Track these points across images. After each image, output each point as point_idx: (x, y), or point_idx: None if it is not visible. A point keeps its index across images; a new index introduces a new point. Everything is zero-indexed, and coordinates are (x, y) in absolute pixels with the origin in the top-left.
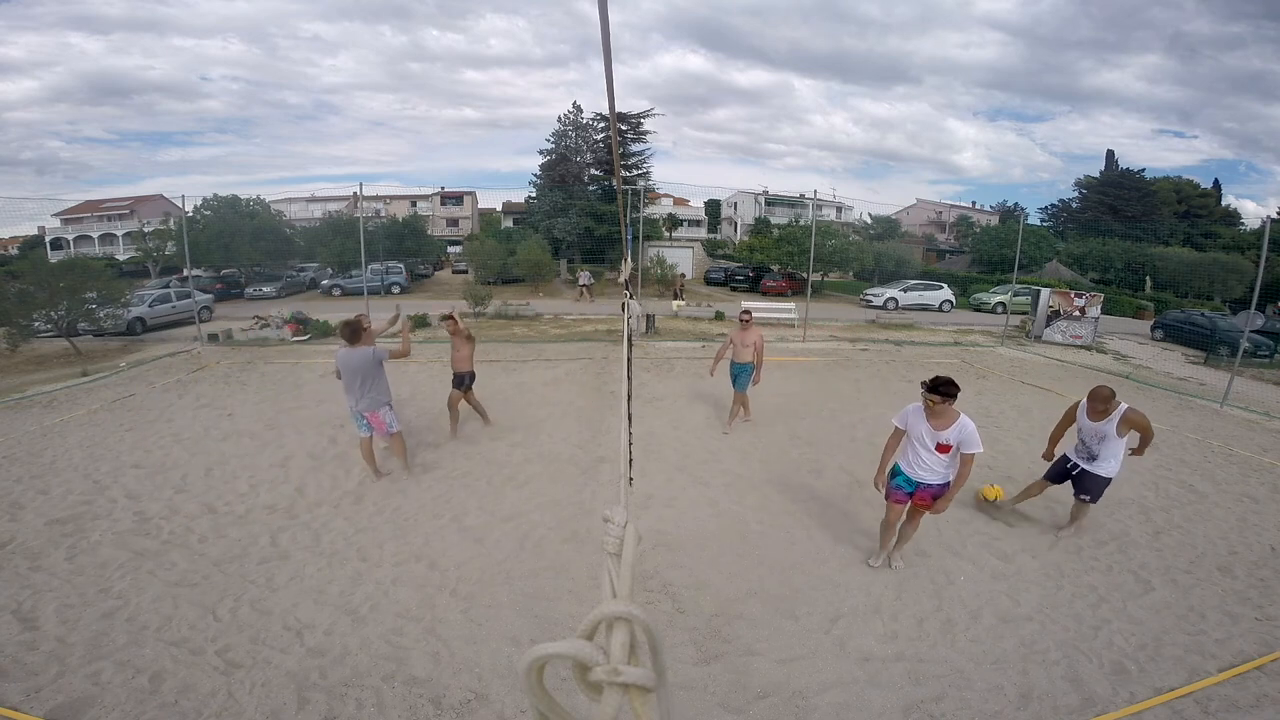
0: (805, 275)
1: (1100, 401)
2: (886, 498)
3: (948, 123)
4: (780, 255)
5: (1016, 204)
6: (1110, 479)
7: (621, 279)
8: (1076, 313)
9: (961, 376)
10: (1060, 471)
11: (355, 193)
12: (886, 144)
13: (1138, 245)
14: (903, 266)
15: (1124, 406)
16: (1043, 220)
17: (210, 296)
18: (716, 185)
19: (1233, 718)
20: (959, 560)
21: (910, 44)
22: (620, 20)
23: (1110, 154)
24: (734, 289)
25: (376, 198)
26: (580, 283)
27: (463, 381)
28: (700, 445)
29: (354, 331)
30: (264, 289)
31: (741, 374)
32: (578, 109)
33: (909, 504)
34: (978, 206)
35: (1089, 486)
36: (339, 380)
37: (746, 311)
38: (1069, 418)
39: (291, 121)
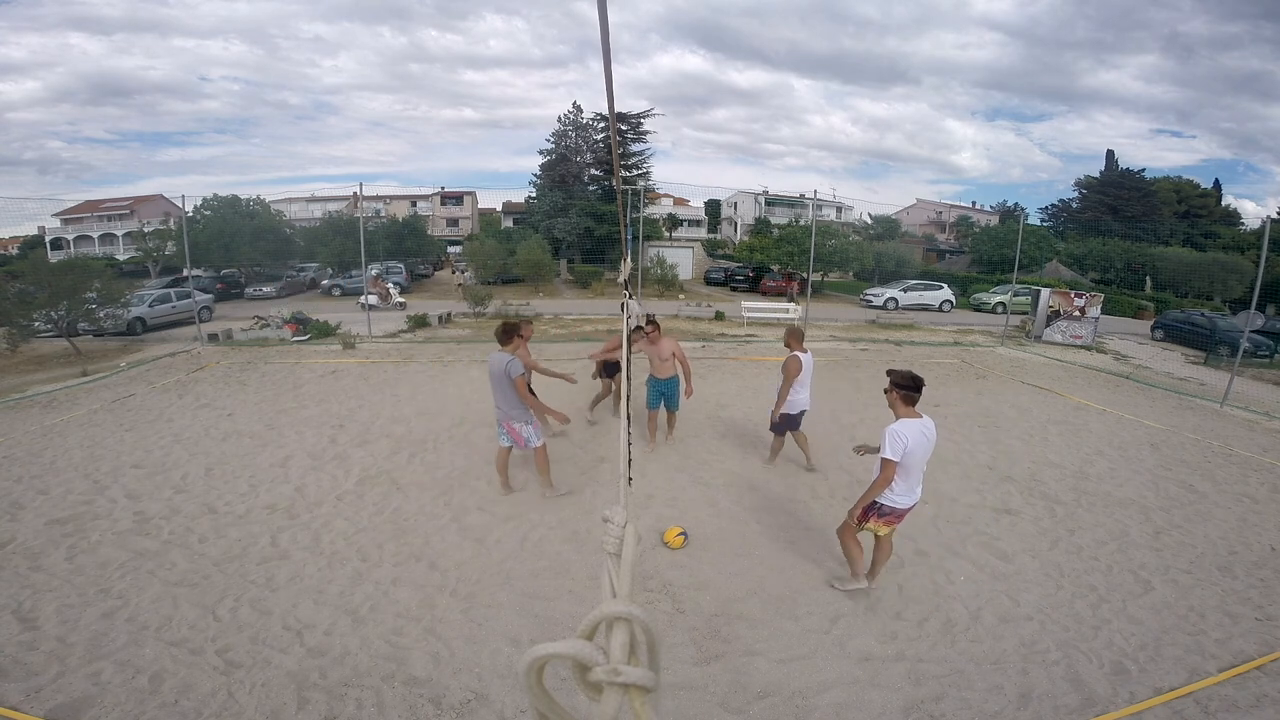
0: (805, 275)
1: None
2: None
3: (946, 123)
4: (780, 255)
5: (1016, 204)
6: (780, 414)
7: (621, 279)
8: (1076, 313)
9: (961, 376)
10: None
11: (355, 193)
12: (885, 144)
13: (1138, 245)
14: (903, 266)
15: (790, 354)
16: (1043, 220)
17: (210, 296)
18: (716, 185)
19: (1233, 718)
20: (959, 560)
21: (908, 45)
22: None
23: (1110, 154)
24: (734, 289)
25: (376, 198)
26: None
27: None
28: (700, 445)
29: (503, 331)
30: (264, 289)
31: (669, 392)
32: (577, 109)
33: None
34: (977, 206)
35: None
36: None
37: (651, 320)
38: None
39: (291, 122)
